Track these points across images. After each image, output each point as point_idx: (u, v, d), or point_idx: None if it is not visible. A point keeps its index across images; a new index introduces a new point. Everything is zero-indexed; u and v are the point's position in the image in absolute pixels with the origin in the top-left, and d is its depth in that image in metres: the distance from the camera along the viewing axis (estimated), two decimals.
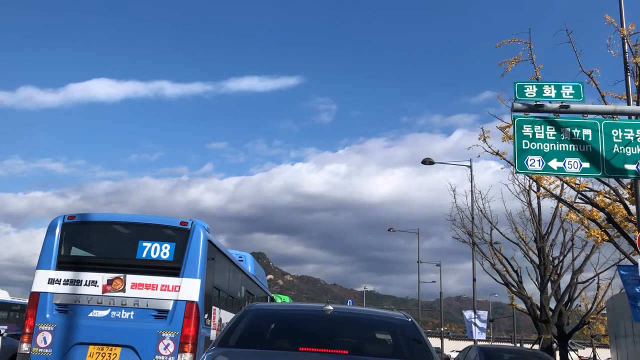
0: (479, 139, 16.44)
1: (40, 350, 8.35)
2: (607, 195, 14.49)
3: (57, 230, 9.09)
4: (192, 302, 8.54)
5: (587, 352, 37.24)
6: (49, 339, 8.40)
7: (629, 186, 13.78)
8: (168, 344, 8.27)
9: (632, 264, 13.10)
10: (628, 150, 10.17)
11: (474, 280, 26.77)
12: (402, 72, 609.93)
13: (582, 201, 15.34)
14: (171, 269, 8.76)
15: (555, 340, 23.14)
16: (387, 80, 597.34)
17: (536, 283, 23.11)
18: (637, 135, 10.19)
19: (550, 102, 10.22)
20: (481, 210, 24.25)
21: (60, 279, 8.76)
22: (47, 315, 8.55)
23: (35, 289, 8.74)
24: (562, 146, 10.25)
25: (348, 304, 50.50)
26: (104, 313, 8.53)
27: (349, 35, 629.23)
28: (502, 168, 17.45)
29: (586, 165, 10.14)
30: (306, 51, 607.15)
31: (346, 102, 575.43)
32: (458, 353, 21.56)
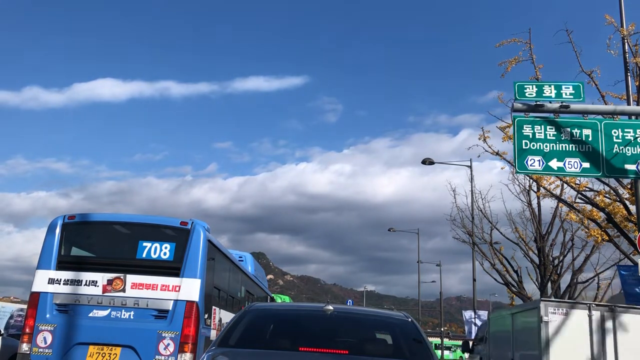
0: (479, 139, 16.47)
1: (40, 350, 8.35)
2: (607, 195, 14.50)
3: (57, 230, 9.09)
4: (192, 302, 8.54)
5: None
6: (49, 339, 8.40)
7: (629, 186, 13.78)
8: (168, 344, 8.27)
9: (632, 264, 13.10)
10: (628, 150, 10.17)
11: (474, 280, 26.77)
12: (408, 72, 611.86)
13: (582, 201, 15.35)
14: (171, 269, 8.76)
15: None
16: (393, 80, 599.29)
17: (536, 283, 23.10)
18: (637, 135, 10.18)
19: (550, 102, 10.22)
20: (481, 210, 24.27)
21: (61, 279, 8.76)
22: (47, 315, 8.55)
23: (35, 289, 8.74)
24: (562, 146, 10.25)
25: (348, 303, 50.47)
26: (104, 313, 8.53)
27: (356, 36, 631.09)
28: (502, 168, 17.48)
29: (586, 165, 10.14)
30: (313, 51, 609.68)
31: (352, 102, 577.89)
32: None
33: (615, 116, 10.83)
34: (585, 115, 10.31)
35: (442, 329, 48.49)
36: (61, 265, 8.88)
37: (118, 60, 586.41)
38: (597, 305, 12.87)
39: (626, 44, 12.87)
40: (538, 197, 22.03)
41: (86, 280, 8.73)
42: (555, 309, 12.45)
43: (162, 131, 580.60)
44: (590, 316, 12.34)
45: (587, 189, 15.15)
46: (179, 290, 8.59)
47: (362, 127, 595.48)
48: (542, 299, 14.45)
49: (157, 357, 8.21)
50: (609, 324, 12.13)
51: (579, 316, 12.40)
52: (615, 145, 10.18)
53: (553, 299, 15.35)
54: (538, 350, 12.16)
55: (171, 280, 8.65)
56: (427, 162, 28.32)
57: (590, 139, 10.25)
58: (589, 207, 15.13)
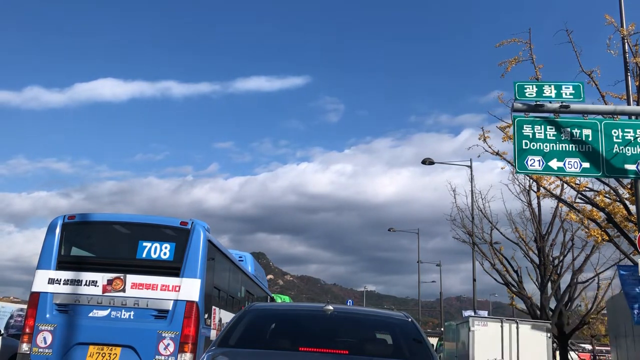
0: (479, 139, 16.47)
1: (40, 350, 8.35)
2: (607, 195, 14.49)
3: (57, 230, 9.08)
4: (192, 302, 8.54)
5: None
6: (49, 339, 8.40)
7: (629, 186, 13.77)
8: (168, 344, 8.27)
9: (632, 264, 13.10)
10: (628, 150, 10.16)
11: (474, 280, 26.77)
12: (410, 72, 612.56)
13: (582, 201, 15.35)
14: (171, 269, 8.76)
15: (556, 340, 23.13)
16: (395, 80, 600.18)
17: (536, 283, 23.10)
18: (637, 135, 10.18)
19: (550, 102, 10.21)
20: (481, 211, 24.25)
21: (61, 279, 8.76)
22: (47, 315, 8.55)
23: (35, 289, 8.74)
24: (562, 146, 10.24)
25: (348, 304, 50.45)
26: (104, 313, 8.53)
27: (358, 36, 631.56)
28: (502, 168, 17.44)
29: (586, 165, 10.13)
30: (314, 51, 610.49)
31: (354, 102, 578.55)
32: None
33: (615, 116, 10.82)
34: (585, 115, 10.31)
35: (442, 329, 48.45)
36: (61, 265, 8.88)
37: (119, 60, 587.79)
38: (506, 319, 19.63)
39: (626, 44, 12.86)
40: (538, 197, 22.04)
41: (86, 280, 8.73)
42: (479, 322, 19.02)
43: (163, 131, 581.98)
44: (502, 327, 18.77)
45: (587, 189, 15.14)
46: (179, 290, 8.59)
47: (363, 127, 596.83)
48: (471, 315, 21.15)
49: (157, 357, 8.21)
50: (514, 332, 18.61)
51: (495, 327, 18.83)
52: (615, 145, 10.17)
53: (479, 316, 21.75)
54: (468, 350, 18.48)
55: (171, 280, 8.65)
56: (427, 162, 28.33)
57: (590, 139, 10.24)
58: (589, 207, 15.12)
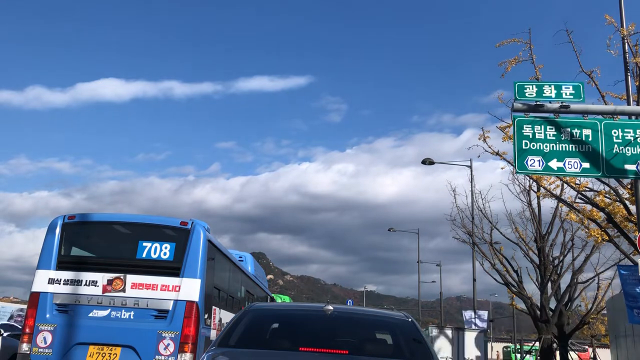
0: (479, 139, 16.45)
1: (40, 350, 8.36)
2: (607, 195, 14.48)
3: (57, 230, 9.09)
4: (192, 302, 8.54)
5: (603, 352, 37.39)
6: (49, 339, 8.40)
7: (629, 186, 13.77)
8: (168, 344, 8.27)
9: (632, 264, 13.10)
10: (628, 150, 10.16)
11: (474, 280, 26.77)
12: (413, 71, 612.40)
13: (582, 201, 15.34)
14: (171, 269, 8.76)
15: (556, 340, 23.13)
16: (398, 80, 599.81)
17: (536, 283, 23.09)
18: (637, 135, 10.18)
19: (550, 102, 10.21)
20: (481, 211, 24.23)
21: (61, 279, 8.76)
22: (47, 315, 8.55)
23: (35, 288, 8.74)
24: (562, 146, 10.24)
25: (348, 304, 50.41)
26: (104, 313, 8.53)
27: (360, 35, 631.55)
28: (502, 168, 17.41)
29: (586, 165, 10.13)
30: (317, 51, 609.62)
31: (357, 101, 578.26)
32: None
33: (615, 116, 10.82)
34: (585, 115, 10.30)
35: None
36: (61, 265, 8.88)
37: (121, 60, 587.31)
38: (455, 328, 27.66)
39: (626, 44, 12.84)
40: (538, 197, 22.02)
41: (86, 280, 8.73)
42: (435, 329, 27.57)
43: (165, 131, 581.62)
44: (452, 333, 26.35)
45: (587, 189, 15.13)
46: (179, 290, 8.59)
47: (365, 126, 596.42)
48: (431, 325, 32.51)
49: (157, 357, 8.21)
50: (461, 337, 25.89)
51: (448, 332, 26.49)
52: (615, 145, 10.17)
53: (437, 325, 30.78)
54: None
55: (171, 280, 8.66)
56: (427, 162, 28.32)
57: (590, 139, 10.24)
58: (589, 207, 15.11)
